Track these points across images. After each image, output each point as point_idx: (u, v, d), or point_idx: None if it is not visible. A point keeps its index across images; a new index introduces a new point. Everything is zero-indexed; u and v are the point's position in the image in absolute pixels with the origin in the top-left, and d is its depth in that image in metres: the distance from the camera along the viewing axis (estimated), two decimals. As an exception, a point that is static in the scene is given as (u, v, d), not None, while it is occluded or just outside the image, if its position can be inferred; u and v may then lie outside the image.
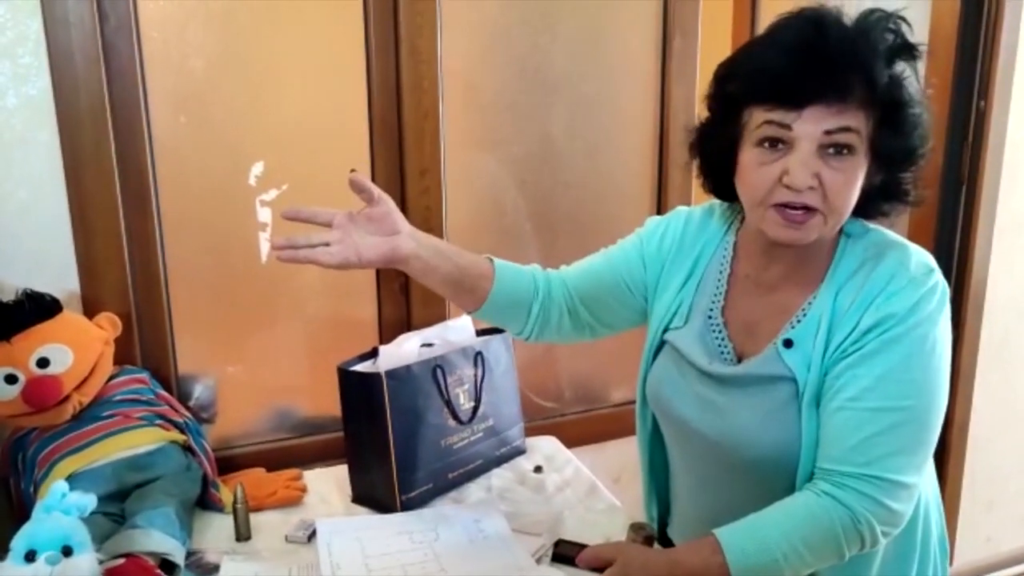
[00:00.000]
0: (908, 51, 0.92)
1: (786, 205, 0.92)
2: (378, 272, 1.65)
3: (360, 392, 1.37)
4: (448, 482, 1.44)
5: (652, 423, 1.18)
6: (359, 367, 1.42)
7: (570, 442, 1.67)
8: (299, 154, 1.55)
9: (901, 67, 0.92)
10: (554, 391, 1.85)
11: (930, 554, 1.07)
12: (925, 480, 1.02)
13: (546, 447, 1.63)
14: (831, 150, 0.90)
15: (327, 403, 1.58)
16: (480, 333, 1.57)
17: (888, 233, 1.02)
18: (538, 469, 1.53)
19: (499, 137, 1.68)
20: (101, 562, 1.05)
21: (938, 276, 0.96)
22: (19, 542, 0.99)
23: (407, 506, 1.36)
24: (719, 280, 1.09)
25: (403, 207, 1.62)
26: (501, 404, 1.55)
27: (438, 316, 1.66)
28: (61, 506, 1.03)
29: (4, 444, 1.37)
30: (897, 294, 0.93)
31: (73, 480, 1.24)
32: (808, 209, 0.91)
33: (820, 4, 0.93)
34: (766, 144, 0.92)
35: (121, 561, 1.12)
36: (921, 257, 0.98)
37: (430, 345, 1.49)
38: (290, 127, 1.54)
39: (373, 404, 1.35)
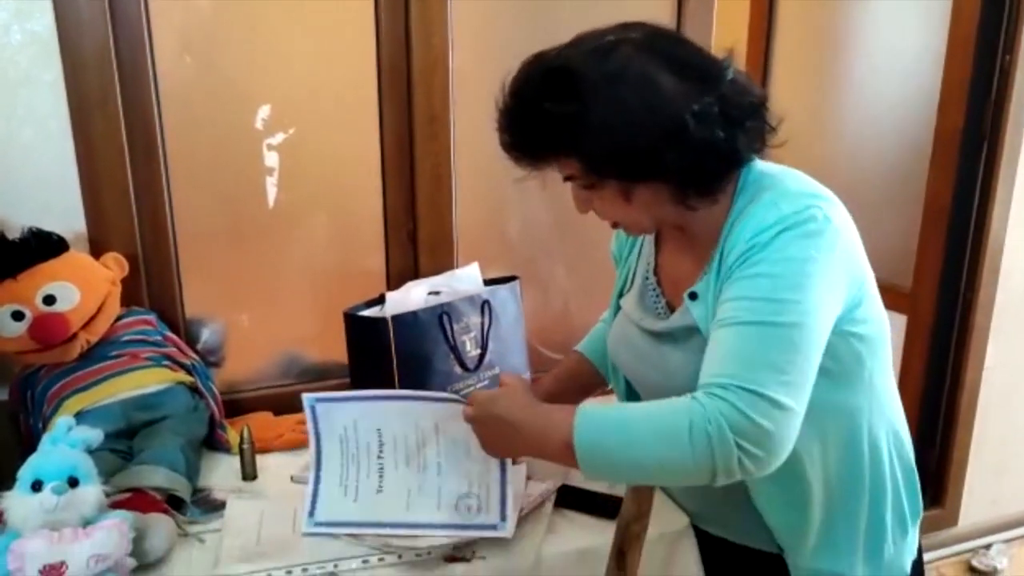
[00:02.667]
0: (550, 89, 0.91)
1: None
2: (386, 219, 1.64)
3: (366, 337, 1.37)
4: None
5: (625, 382, 1.20)
6: (365, 312, 1.42)
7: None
8: (306, 97, 1.53)
9: (564, 101, 0.90)
10: (561, 343, 1.84)
11: (885, 487, 1.05)
12: (874, 409, 1.01)
13: (552, 397, 1.62)
14: (580, 187, 0.98)
15: (334, 350, 1.58)
16: (488, 283, 1.56)
17: (772, 174, 0.99)
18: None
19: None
20: (109, 495, 1.06)
21: (813, 212, 0.91)
22: (26, 472, 1.00)
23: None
24: (650, 243, 1.14)
25: (411, 154, 1.61)
26: (508, 353, 1.54)
27: (446, 264, 1.65)
28: (67, 439, 1.04)
29: (13, 381, 1.38)
30: (759, 232, 0.91)
31: (82, 417, 1.25)
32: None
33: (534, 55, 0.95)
34: None
35: (128, 495, 1.13)
36: (800, 196, 0.93)
37: (437, 293, 1.48)
38: (297, 69, 1.52)
39: (379, 349, 1.34)
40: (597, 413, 0.92)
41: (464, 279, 1.54)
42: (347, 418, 1.17)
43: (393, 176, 1.62)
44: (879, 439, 1.03)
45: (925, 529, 1.15)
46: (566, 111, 0.89)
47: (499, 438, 1.01)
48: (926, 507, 1.14)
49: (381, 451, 1.16)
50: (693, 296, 1.00)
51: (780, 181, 0.97)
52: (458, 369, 1.45)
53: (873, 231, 1.12)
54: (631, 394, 1.20)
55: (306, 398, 1.17)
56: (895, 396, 1.08)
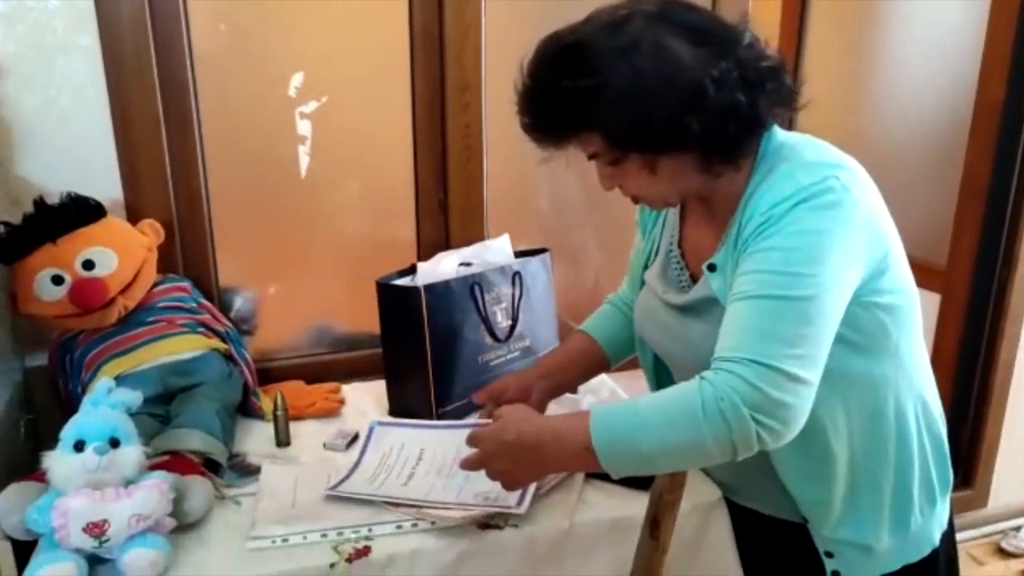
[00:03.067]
0: (567, 66, 0.91)
1: None
2: (417, 189, 1.64)
3: (398, 306, 1.38)
4: (485, 398, 1.45)
5: (653, 354, 1.20)
6: (398, 282, 1.42)
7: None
8: (339, 65, 1.53)
9: (581, 76, 0.89)
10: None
11: (912, 457, 1.04)
12: (901, 380, 1.00)
13: (582, 370, 1.62)
14: (603, 163, 0.98)
15: (365, 320, 1.59)
16: (519, 255, 1.56)
17: (792, 144, 0.98)
18: (574, 390, 1.53)
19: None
20: (148, 457, 1.08)
21: (830, 182, 0.90)
22: (68, 432, 1.02)
23: (443, 418, 1.37)
24: (675, 215, 1.14)
25: (442, 123, 1.60)
26: (538, 325, 1.54)
27: (476, 235, 1.65)
28: (107, 400, 1.06)
29: (52, 346, 1.40)
30: (775, 204, 0.91)
31: (119, 382, 1.25)
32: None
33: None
34: None
35: (167, 457, 1.15)
36: (817, 166, 0.92)
37: (468, 264, 1.48)
38: (330, 37, 1.51)
39: (411, 318, 1.35)
40: (610, 411, 0.92)
41: (494, 250, 1.54)
42: (397, 440, 1.26)
43: (424, 146, 1.61)
44: (906, 410, 1.02)
45: (954, 510, 1.14)
46: (584, 86, 0.89)
47: (518, 465, 0.97)
48: (956, 488, 1.13)
49: (417, 463, 1.20)
50: (712, 267, 1.00)
51: (799, 151, 0.96)
52: (489, 340, 1.45)
53: (908, 207, 1.11)
54: (658, 368, 1.20)
55: (372, 422, 1.30)
56: (925, 366, 1.06)
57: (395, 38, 1.54)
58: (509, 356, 1.48)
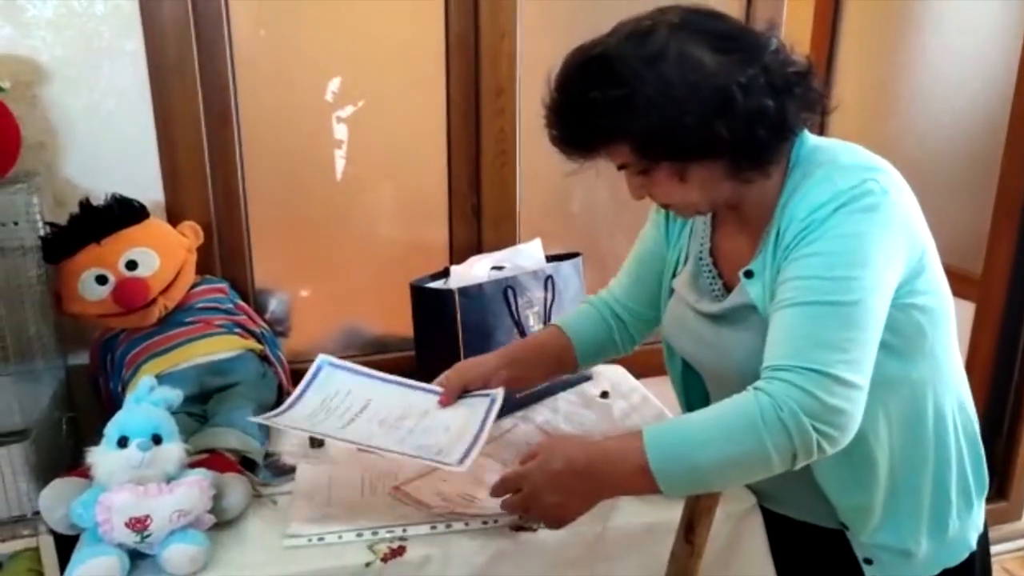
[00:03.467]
0: (594, 78, 0.90)
1: None
2: (450, 193, 1.65)
3: (432, 308, 1.39)
4: (515, 402, 1.45)
5: (682, 363, 1.20)
6: (432, 285, 1.44)
7: (636, 373, 1.66)
8: (376, 70, 1.55)
9: (608, 87, 0.89)
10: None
11: (950, 460, 1.03)
12: (938, 381, 1.00)
13: (612, 375, 1.63)
14: (632, 173, 0.97)
15: (397, 323, 1.60)
16: (551, 259, 1.57)
17: (825, 148, 0.98)
18: (604, 395, 1.53)
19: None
20: (187, 455, 1.10)
21: (868, 186, 0.90)
22: (112, 429, 1.04)
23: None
24: (705, 222, 1.12)
25: (476, 128, 1.61)
26: (570, 329, 1.54)
27: (509, 239, 1.66)
28: (150, 398, 1.08)
29: (93, 345, 1.43)
30: (819, 205, 0.91)
31: (158, 381, 1.28)
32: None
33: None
34: None
35: (205, 455, 1.16)
36: (854, 169, 0.93)
37: (500, 268, 1.49)
38: (367, 43, 1.54)
39: (444, 320, 1.36)
40: (664, 429, 0.92)
41: (527, 254, 1.54)
42: (344, 385, 1.18)
43: (458, 150, 1.63)
44: (944, 411, 1.02)
45: (988, 521, 1.13)
46: (612, 97, 0.89)
47: (571, 496, 0.94)
48: (989, 499, 1.12)
49: (360, 413, 1.14)
50: (749, 274, 1.00)
51: (834, 155, 0.96)
52: (521, 343, 1.45)
53: (942, 215, 1.10)
54: (687, 376, 1.20)
55: (320, 358, 1.20)
56: (959, 367, 1.06)
57: (431, 44, 1.56)
58: (541, 360, 1.49)
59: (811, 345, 0.87)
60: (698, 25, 0.91)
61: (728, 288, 1.07)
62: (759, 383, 0.89)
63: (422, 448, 1.07)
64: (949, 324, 1.01)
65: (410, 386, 1.20)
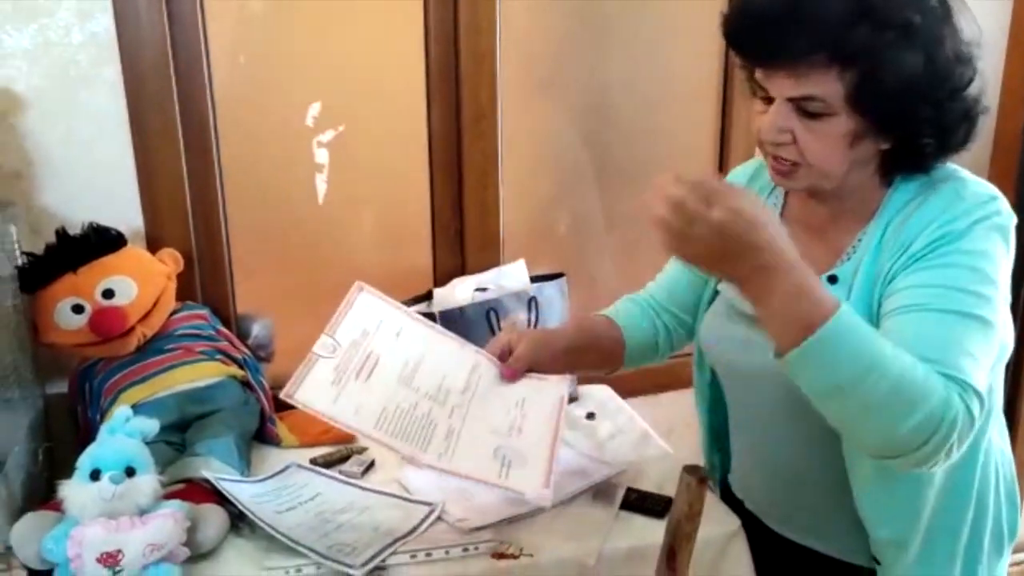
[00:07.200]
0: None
1: (773, 155, 0.93)
2: (433, 217, 1.65)
3: (413, 333, 1.37)
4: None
5: (711, 373, 1.17)
6: (414, 308, 1.42)
7: (624, 392, 1.65)
8: (356, 95, 1.55)
9: (887, 17, 0.84)
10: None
11: (988, 502, 1.01)
12: (991, 420, 0.98)
13: (599, 395, 1.62)
14: (803, 111, 0.89)
15: (380, 347, 1.58)
16: (535, 279, 1.56)
17: (949, 167, 0.97)
18: (590, 416, 1.52)
19: (557, 82, 1.64)
20: (163, 485, 1.08)
21: (998, 205, 0.92)
22: (85, 461, 1.02)
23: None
24: None
25: (458, 152, 1.61)
26: (554, 351, 1.53)
27: (493, 262, 1.65)
28: (124, 429, 1.06)
29: (72, 374, 1.41)
30: (951, 220, 0.90)
31: (137, 410, 1.26)
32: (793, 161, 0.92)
33: None
34: (759, 95, 0.94)
35: (182, 486, 1.15)
36: (980, 188, 0.94)
37: (484, 290, 1.49)
38: (347, 68, 1.54)
39: (426, 345, 1.34)
40: (863, 323, 0.82)
41: (510, 276, 1.54)
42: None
43: (440, 174, 1.63)
44: (991, 451, 1.01)
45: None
46: (898, 20, 0.84)
47: (722, 261, 0.81)
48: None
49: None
50: (833, 279, 0.97)
51: (957, 173, 0.96)
52: (505, 366, 1.44)
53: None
54: (714, 387, 1.17)
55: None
56: (1000, 409, 1.04)
57: (411, 67, 1.56)
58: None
59: (959, 353, 0.84)
60: (958, 19, 0.90)
61: None
62: (949, 380, 0.82)
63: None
64: (1003, 360, 0.98)
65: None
